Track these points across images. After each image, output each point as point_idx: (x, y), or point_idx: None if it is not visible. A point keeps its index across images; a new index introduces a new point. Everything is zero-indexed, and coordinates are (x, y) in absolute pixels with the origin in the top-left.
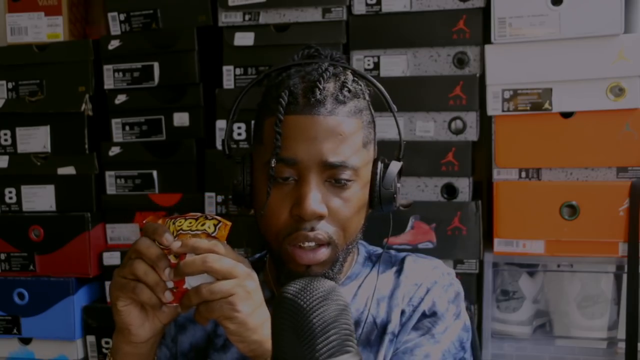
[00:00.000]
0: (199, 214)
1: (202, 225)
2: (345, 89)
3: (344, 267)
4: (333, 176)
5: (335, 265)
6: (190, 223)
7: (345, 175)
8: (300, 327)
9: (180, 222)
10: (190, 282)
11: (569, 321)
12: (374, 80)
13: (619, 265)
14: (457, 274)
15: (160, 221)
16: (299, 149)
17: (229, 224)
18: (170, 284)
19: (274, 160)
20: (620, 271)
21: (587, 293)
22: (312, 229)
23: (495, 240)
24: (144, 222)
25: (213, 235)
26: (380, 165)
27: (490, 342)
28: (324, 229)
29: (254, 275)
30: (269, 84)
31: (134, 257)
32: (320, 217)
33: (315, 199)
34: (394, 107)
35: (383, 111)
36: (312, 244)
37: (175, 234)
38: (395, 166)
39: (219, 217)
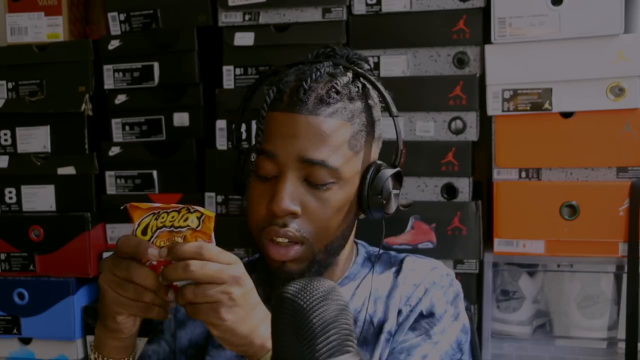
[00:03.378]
0: (181, 206)
1: (185, 220)
2: (334, 90)
3: (326, 270)
4: (311, 175)
5: (313, 265)
6: (172, 217)
7: (324, 175)
8: (300, 327)
9: (163, 216)
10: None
11: (569, 321)
12: (378, 84)
13: (619, 265)
14: (457, 274)
15: (136, 218)
16: (277, 144)
17: (212, 215)
18: None
19: (254, 154)
20: (620, 271)
21: (587, 293)
22: (284, 225)
23: (495, 240)
24: (127, 207)
25: (198, 229)
26: (371, 170)
27: (490, 342)
28: (297, 228)
29: (244, 278)
30: (270, 81)
31: (125, 279)
32: (293, 215)
33: (288, 196)
34: (395, 111)
35: (385, 111)
36: (285, 240)
37: (156, 230)
38: (387, 172)
39: (201, 209)
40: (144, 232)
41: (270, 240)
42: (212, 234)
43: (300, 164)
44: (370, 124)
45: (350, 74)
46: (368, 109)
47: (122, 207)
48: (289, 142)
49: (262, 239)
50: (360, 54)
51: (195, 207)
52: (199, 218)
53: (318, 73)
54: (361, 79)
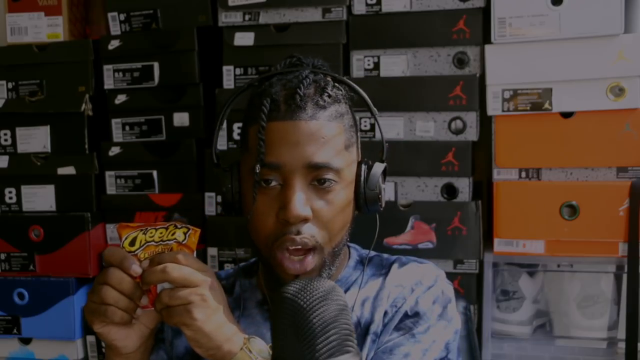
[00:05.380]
0: (168, 223)
1: (173, 234)
2: (325, 94)
3: (333, 271)
4: (317, 178)
5: (324, 270)
6: (161, 233)
7: (329, 176)
8: (300, 327)
9: (151, 232)
10: (164, 286)
11: (569, 321)
12: (355, 86)
13: (619, 265)
14: (457, 274)
15: (124, 234)
16: (282, 154)
17: (198, 230)
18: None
19: (258, 166)
20: (620, 271)
21: (587, 293)
22: (298, 233)
23: (495, 240)
24: (117, 228)
25: (184, 243)
26: (364, 167)
27: (490, 342)
28: (310, 232)
29: (215, 283)
30: (252, 93)
31: (101, 283)
32: (305, 220)
33: (300, 201)
34: (375, 110)
35: (380, 112)
36: (299, 247)
37: (144, 243)
38: (378, 167)
39: (188, 225)
40: (132, 244)
41: (285, 250)
42: (195, 248)
43: (306, 170)
44: (355, 123)
45: (329, 79)
46: (350, 110)
47: (112, 227)
48: (294, 150)
49: (274, 250)
50: (323, 61)
51: (182, 224)
52: (185, 233)
53: (308, 80)
54: (339, 82)
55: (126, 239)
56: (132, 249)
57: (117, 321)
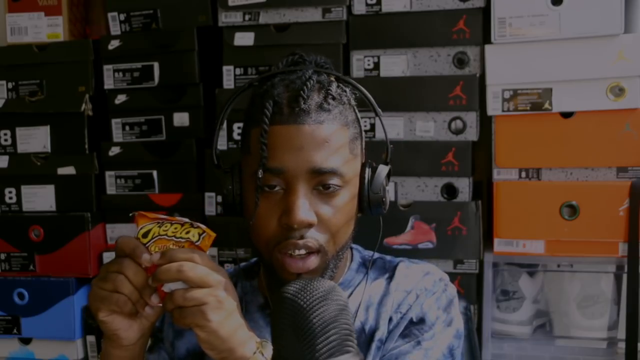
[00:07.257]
0: (185, 220)
1: (187, 232)
2: (330, 96)
3: (335, 273)
4: (321, 183)
5: (326, 272)
6: (175, 228)
7: (334, 182)
8: (300, 327)
9: (166, 226)
10: (170, 286)
11: (569, 321)
12: (359, 86)
13: (619, 265)
14: (457, 274)
15: (140, 223)
16: (285, 159)
17: (213, 235)
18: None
19: (260, 170)
20: (620, 271)
21: (587, 293)
22: (302, 237)
23: (495, 240)
24: (135, 215)
25: (197, 244)
26: (368, 170)
27: (490, 342)
28: (314, 237)
29: (229, 284)
30: (253, 93)
31: (115, 272)
32: (310, 226)
33: (304, 207)
34: (380, 111)
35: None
36: (302, 251)
37: (156, 236)
38: (383, 170)
39: (204, 227)
40: (145, 236)
41: (286, 253)
42: (206, 252)
43: (310, 175)
44: (358, 124)
45: (333, 79)
46: (354, 111)
47: (130, 215)
48: (297, 155)
49: (275, 254)
50: (326, 58)
51: (199, 224)
52: (200, 234)
53: (311, 81)
54: (343, 82)
55: (141, 229)
56: (145, 240)
57: (126, 312)
